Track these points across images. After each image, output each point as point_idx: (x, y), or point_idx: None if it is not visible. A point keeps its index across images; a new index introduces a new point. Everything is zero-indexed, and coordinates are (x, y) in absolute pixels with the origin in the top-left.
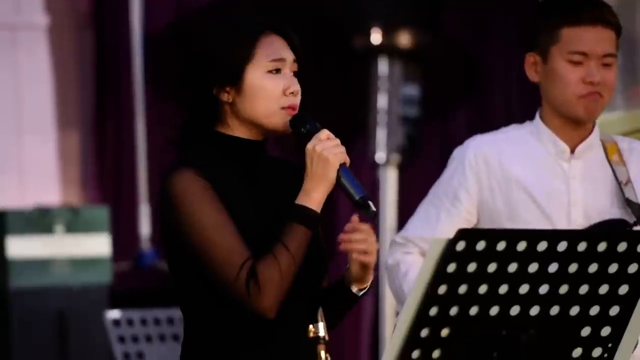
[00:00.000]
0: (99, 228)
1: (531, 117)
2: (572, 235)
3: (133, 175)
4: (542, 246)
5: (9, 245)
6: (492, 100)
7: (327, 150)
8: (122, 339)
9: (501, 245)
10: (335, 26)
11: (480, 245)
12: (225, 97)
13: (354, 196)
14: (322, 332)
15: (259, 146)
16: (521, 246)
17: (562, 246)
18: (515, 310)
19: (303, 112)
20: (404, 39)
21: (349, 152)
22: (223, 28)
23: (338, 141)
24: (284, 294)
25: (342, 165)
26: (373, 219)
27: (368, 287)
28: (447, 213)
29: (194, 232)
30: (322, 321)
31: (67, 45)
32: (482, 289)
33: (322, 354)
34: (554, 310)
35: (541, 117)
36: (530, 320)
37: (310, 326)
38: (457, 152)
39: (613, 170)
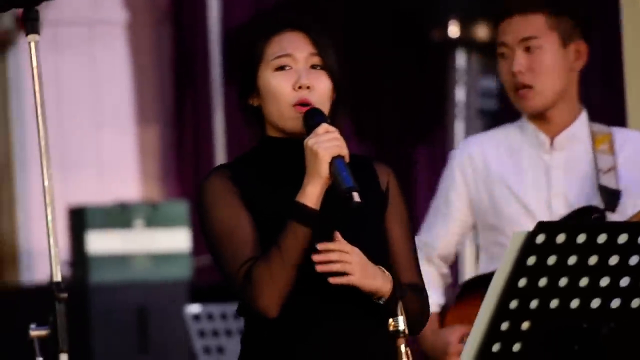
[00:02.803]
0: (178, 223)
1: (607, 105)
2: None
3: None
4: (622, 239)
5: (89, 241)
6: None
7: (317, 144)
8: (202, 334)
9: (581, 238)
10: (413, 19)
11: (560, 238)
12: (254, 102)
13: (340, 187)
14: (401, 325)
15: (293, 144)
16: (601, 239)
17: None
18: (595, 302)
19: (313, 108)
20: (482, 32)
21: (427, 145)
22: (245, 32)
23: (335, 135)
24: (282, 291)
25: (337, 157)
26: (356, 210)
27: (386, 296)
28: (442, 216)
29: (210, 233)
30: (401, 315)
31: (145, 41)
32: (563, 281)
33: (402, 347)
34: (635, 302)
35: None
36: (610, 313)
37: (390, 320)
38: (450, 155)
39: (595, 159)
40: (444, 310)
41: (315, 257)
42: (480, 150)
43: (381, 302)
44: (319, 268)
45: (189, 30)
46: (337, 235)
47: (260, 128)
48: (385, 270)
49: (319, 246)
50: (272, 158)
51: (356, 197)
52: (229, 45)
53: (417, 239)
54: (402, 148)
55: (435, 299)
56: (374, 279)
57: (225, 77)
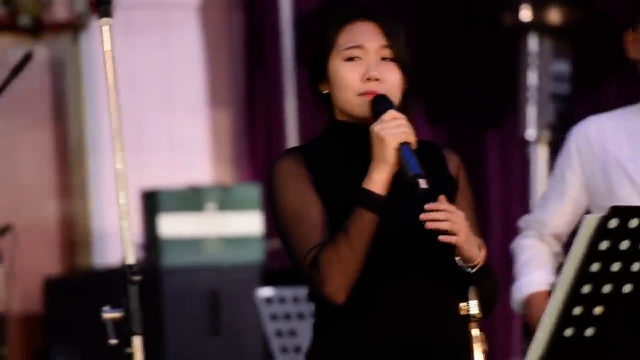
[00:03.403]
0: (250, 206)
1: None
2: None
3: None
4: None
5: (161, 224)
6: None
7: (384, 131)
8: (274, 317)
9: None
10: (485, 3)
11: (633, 223)
12: (324, 88)
13: (406, 173)
14: (474, 310)
15: (362, 130)
16: None
17: None
18: None
19: (381, 95)
20: (554, 16)
21: (499, 130)
22: (317, 19)
23: (401, 121)
24: (349, 278)
25: (404, 144)
26: (424, 197)
27: (479, 264)
28: (556, 194)
29: (279, 217)
30: (474, 299)
31: (218, 24)
32: (636, 266)
33: (475, 331)
34: None
35: None
36: None
37: (462, 304)
38: (569, 134)
39: None
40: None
41: (423, 216)
42: (598, 130)
43: (471, 270)
44: (429, 225)
45: (261, 14)
46: (442, 197)
47: (330, 113)
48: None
49: (427, 206)
50: (342, 143)
51: (423, 183)
52: (301, 30)
53: (528, 216)
54: (474, 133)
55: (545, 278)
56: (473, 244)
57: (297, 61)
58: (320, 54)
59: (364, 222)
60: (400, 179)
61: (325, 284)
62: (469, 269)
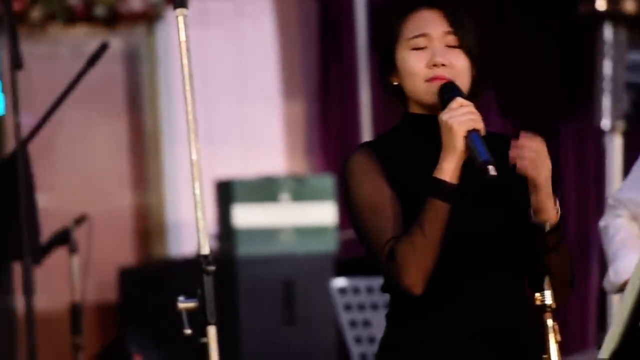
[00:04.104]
0: (324, 196)
1: None
2: None
3: (358, 143)
4: None
5: (235, 214)
6: None
7: (452, 119)
8: (348, 307)
9: None
10: None
11: None
12: (394, 80)
13: (476, 160)
14: (548, 300)
15: (434, 120)
16: None
17: None
18: None
19: (448, 82)
20: (630, 5)
21: (574, 120)
22: (383, 12)
23: (469, 109)
24: (427, 268)
25: (473, 131)
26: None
27: (556, 224)
28: None
29: (354, 211)
30: (549, 289)
31: (291, 15)
32: None
33: (549, 322)
34: None
35: None
36: None
37: (537, 294)
38: None
39: None
40: None
41: (511, 153)
42: None
43: (545, 226)
44: (512, 159)
45: (334, 4)
46: (529, 136)
47: (403, 105)
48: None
49: (515, 143)
50: (415, 134)
51: (492, 170)
52: (374, 19)
53: (619, 194)
54: (548, 123)
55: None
56: (551, 196)
57: (370, 51)
58: (388, 45)
59: (436, 212)
60: (469, 167)
61: (403, 276)
62: (544, 226)
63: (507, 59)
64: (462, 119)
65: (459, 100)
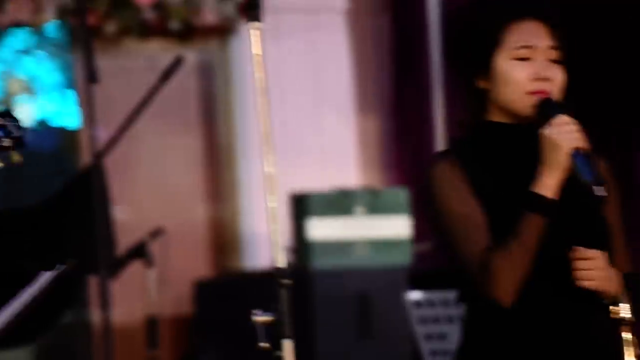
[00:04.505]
0: (398, 210)
1: None
2: None
3: (431, 157)
4: None
5: (310, 227)
6: None
7: (558, 135)
8: (423, 320)
9: None
10: None
11: None
12: (482, 84)
13: (581, 180)
14: (626, 313)
15: (519, 130)
16: None
17: None
18: None
19: (548, 98)
20: None
21: None
22: (477, 16)
23: (574, 126)
24: (520, 281)
25: (577, 150)
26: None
27: (612, 298)
28: None
29: (441, 221)
30: (626, 303)
31: (365, 29)
32: None
33: (626, 335)
34: None
35: None
36: None
37: (614, 307)
38: None
39: None
40: None
41: (576, 273)
42: None
43: (605, 301)
44: (579, 281)
45: (408, 19)
46: (587, 251)
47: (481, 111)
48: (615, 270)
49: (577, 254)
50: (497, 143)
51: (599, 190)
52: (453, 24)
53: None
54: (621, 132)
55: None
56: (610, 282)
57: (444, 66)
58: (484, 49)
59: (534, 226)
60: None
61: (495, 287)
62: (603, 301)
63: (579, 66)
64: (568, 136)
65: (564, 117)
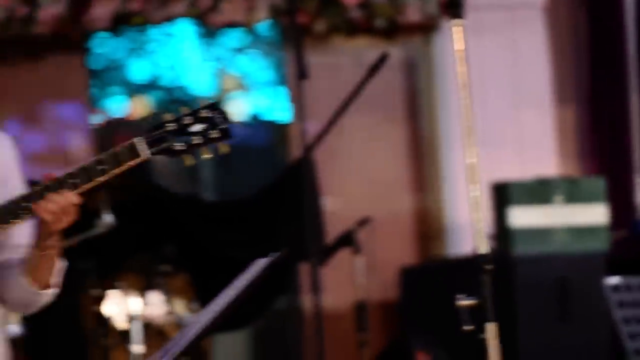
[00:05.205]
0: (596, 198)
1: None
2: None
3: (627, 146)
4: None
5: (511, 215)
6: None
7: None
8: (621, 304)
9: None
10: None
11: None
12: None
13: None
14: None
15: None
16: None
17: None
18: None
19: None
20: None
21: None
22: None
23: None
24: None
25: None
26: None
27: None
28: None
29: None
30: None
31: (563, 23)
32: None
33: None
34: None
35: None
36: None
37: None
38: None
39: None
40: None
41: None
42: None
43: None
44: None
45: (605, 12)
46: None
47: None
48: None
49: None
50: None
51: None
52: None
53: None
54: None
55: None
56: None
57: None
58: None
59: None
60: None
61: None
62: None
63: None
64: None
65: None
